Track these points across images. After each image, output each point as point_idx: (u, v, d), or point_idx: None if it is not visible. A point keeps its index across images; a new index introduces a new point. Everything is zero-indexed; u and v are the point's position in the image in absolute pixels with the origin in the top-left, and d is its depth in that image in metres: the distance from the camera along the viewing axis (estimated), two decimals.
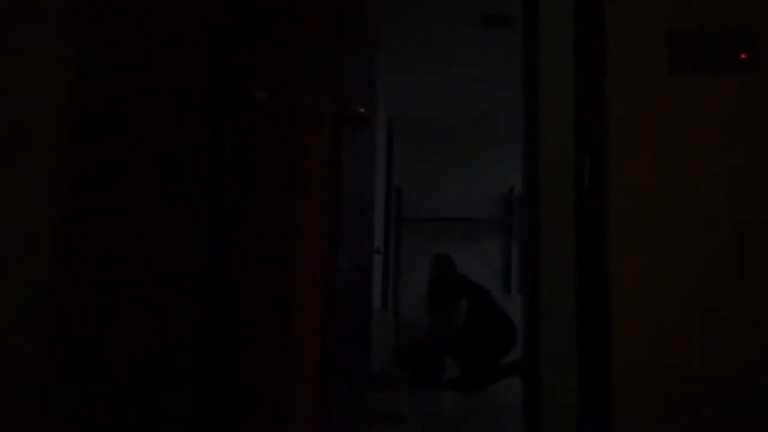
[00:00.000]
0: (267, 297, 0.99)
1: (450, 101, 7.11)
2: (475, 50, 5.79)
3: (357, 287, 3.70)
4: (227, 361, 0.91)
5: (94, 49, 0.70)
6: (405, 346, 6.12)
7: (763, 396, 1.70)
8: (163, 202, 0.84)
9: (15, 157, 0.63)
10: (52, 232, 0.64)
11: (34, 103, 0.64)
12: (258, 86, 0.90)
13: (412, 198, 8.40)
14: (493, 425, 4.18)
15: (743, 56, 1.88)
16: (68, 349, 0.67)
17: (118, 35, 0.72)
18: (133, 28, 0.73)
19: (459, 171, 8.36)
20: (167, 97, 0.82)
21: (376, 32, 3.94)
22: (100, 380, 0.70)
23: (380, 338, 5.72)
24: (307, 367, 0.98)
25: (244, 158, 0.89)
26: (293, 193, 0.95)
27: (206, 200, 0.87)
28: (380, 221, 6.64)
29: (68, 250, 0.69)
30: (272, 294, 0.98)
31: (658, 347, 1.74)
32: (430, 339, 5.95)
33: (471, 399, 5.22)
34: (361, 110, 1.00)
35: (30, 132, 0.62)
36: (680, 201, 1.78)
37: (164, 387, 0.84)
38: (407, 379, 5.90)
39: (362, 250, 3.81)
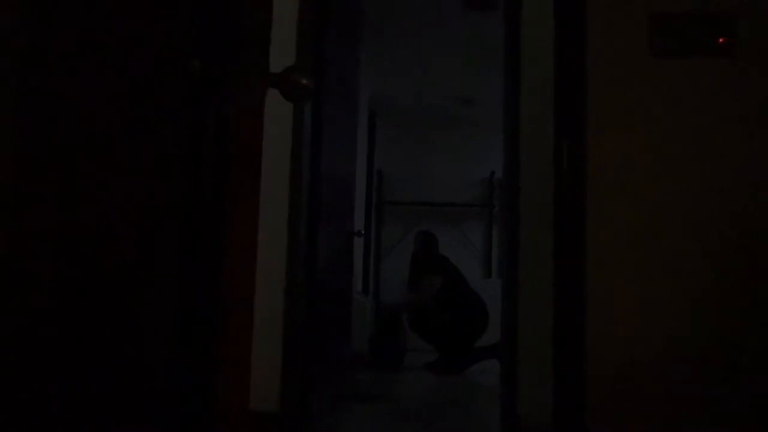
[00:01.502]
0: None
1: (432, 85, 7.10)
2: (457, 34, 5.78)
3: (337, 269, 3.71)
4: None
5: None
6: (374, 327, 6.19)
7: (740, 372, 1.73)
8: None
9: None
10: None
11: None
12: (192, 54, 0.89)
13: (394, 181, 8.41)
14: (470, 404, 4.22)
15: (722, 41, 1.89)
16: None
17: None
18: None
19: (441, 155, 8.36)
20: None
21: (360, 9, 3.93)
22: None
23: (360, 321, 5.74)
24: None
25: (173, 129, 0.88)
26: (222, 166, 0.94)
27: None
28: (361, 204, 6.64)
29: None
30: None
31: (635, 327, 1.77)
32: (402, 306, 6.05)
33: (448, 380, 5.26)
34: (303, 81, 0.98)
35: None
36: (658, 183, 1.80)
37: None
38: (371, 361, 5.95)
39: (343, 231, 3.82)
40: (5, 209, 0.62)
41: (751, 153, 1.81)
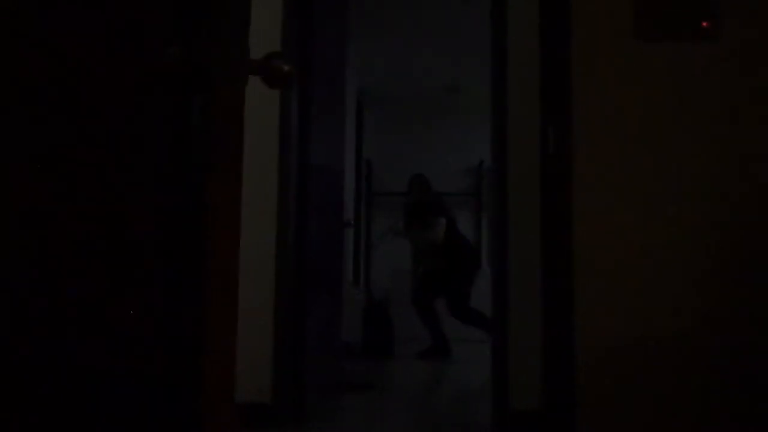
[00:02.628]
0: None
1: (419, 74, 7.09)
2: (443, 22, 5.77)
3: (328, 259, 3.71)
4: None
5: None
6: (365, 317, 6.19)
7: (724, 355, 1.75)
8: None
9: None
10: None
11: None
12: (171, 40, 0.88)
13: (383, 172, 8.41)
14: (461, 392, 4.25)
15: (705, 25, 1.90)
16: None
17: None
18: None
19: (429, 145, 8.37)
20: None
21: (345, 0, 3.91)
22: None
23: (351, 311, 5.75)
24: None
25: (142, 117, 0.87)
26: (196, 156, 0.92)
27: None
28: (350, 195, 6.64)
29: None
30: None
31: (621, 311, 1.79)
32: (418, 244, 5.93)
33: (440, 367, 5.28)
34: (285, 68, 0.97)
35: None
36: (643, 164, 1.82)
37: None
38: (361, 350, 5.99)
39: (333, 222, 3.82)
40: None
41: (732, 134, 1.83)
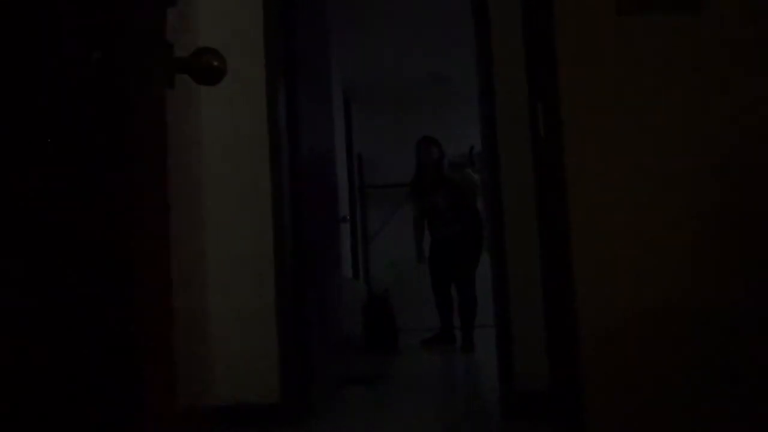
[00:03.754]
0: None
1: (405, 64, 7.08)
2: (427, 10, 5.75)
3: (326, 256, 3.72)
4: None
5: None
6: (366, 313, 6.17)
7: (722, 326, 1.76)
8: None
9: None
10: None
11: None
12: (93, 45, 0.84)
13: (375, 165, 8.40)
14: (467, 378, 4.26)
15: None
16: None
17: None
18: None
19: (419, 134, 8.34)
20: None
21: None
22: None
23: (352, 306, 5.76)
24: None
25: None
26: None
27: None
28: (344, 189, 6.63)
29: None
30: None
31: (618, 287, 1.79)
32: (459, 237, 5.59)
33: (445, 356, 5.30)
34: (215, 63, 0.94)
35: None
36: (635, 141, 1.82)
37: None
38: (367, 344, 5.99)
39: (329, 218, 3.82)
40: None
41: (717, 106, 1.83)
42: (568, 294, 1.77)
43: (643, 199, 1.79)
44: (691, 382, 1.75)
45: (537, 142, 1.98)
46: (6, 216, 0.78)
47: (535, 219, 2.30)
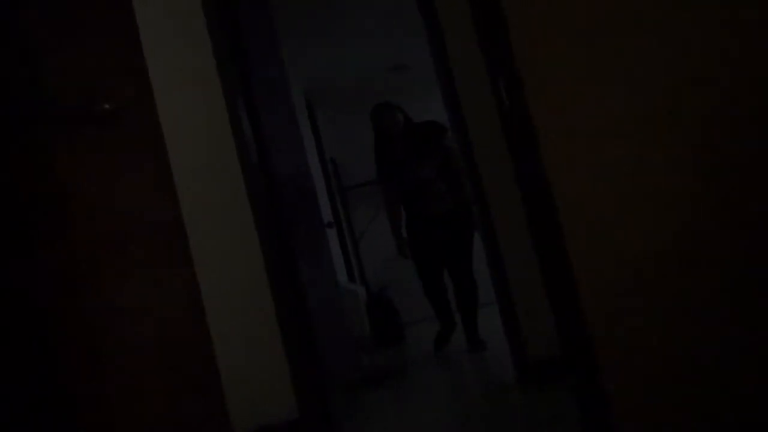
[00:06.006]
0: None
1: (363, 59, 7.06)
2: (374, 2, 5.75)
3: (318, 263, 3.70)
4: None
5: None
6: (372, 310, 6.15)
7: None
8: None
9: None
10: None
11: None
12: None
13: (349, 166, 8.38)
14: (480, 358, 4.26)
15: None
16: None
17: None
18: None
19: None
20: None
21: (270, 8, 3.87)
22: None
23: (354, 308, 5.75)
24: None
25: None
26: None
27: None
28: (324, 195, 6.61)
29: None
30: None
31: (608, 235, 1.79)
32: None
33: (454, 342, 5.30)
34: (105, 106, 0.93)
35: None
36: (602, 88, 1.80)
37: None
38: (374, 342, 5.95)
39: (314, 226, 3.80)
40: None
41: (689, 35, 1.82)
42: (559, 252, 1.77)
43: (619, 142, 1.78)
44: (696, 321, 1.76)
45: (504, 116, 1.98)
46: None
47: (516, 189, 2.29)
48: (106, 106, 1.01)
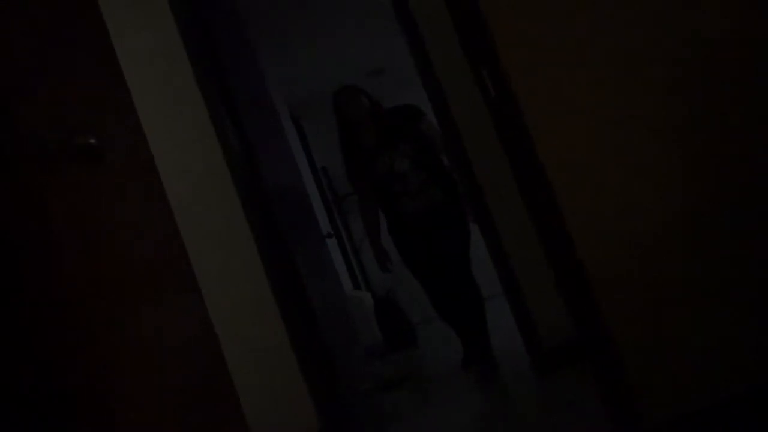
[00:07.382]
0: None
1: (341, 68, 7.06)
2: (348, 8, 5.75)
3: (322, 275, 3.70)
4: None
5: None
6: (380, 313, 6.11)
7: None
8: None
9: None
10: None
11: None
12: None
13: (340, 174, 8.36)
14: (501, 365, 4.25)
15: None
16: None
17: None
18: None
19: None
20: None
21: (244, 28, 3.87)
22: None
23: (362, 315, 5.75)
24: None
25: None
26: None
27: None
28: (319, 206, 6.61)
29: None
30: None
31: (607, 212, 1.78)
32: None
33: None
34: (91, 140, 0.92)
35: None
36: (582, 56, 1.79)
37: None
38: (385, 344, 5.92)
39: (313, 238, 3.79)
40: None
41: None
42: (559, 233, 1.76)
43: (610, 117, 1.77)
44: (699, 285, 1.75)
45: (492, 106, 1.98)
46: None
47: (510, 174, 2.28)
48: (92, 140, 0.99)
